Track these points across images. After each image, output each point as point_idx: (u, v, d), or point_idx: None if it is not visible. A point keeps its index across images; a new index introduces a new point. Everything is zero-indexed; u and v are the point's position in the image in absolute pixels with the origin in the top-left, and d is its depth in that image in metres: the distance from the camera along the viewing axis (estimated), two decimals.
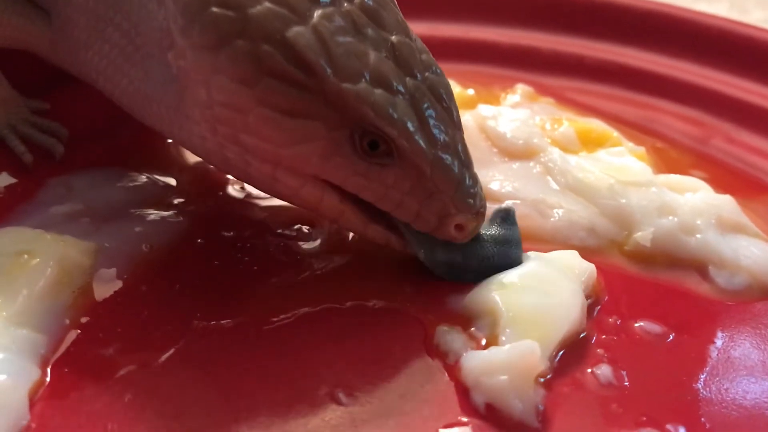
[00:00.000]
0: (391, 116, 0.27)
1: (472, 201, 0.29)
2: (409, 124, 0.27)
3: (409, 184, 0.28)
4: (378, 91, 0.27)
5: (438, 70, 0.29)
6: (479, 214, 0.29)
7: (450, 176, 0.28)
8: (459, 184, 0.28)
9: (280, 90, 0.26)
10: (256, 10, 0.26)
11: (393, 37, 0.28)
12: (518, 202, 0.33)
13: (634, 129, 0.40)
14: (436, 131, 0.28)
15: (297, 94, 0.27)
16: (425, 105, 0.28)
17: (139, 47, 0.30)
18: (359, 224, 0.29)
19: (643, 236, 0.32)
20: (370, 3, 0.28)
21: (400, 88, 0.27)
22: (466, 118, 0.38)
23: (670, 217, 0.32)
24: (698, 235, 0.32)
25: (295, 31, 0.26)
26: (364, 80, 0.27)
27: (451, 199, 0.28)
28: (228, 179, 0.34)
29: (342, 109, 0.27)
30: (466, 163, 0.29)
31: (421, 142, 0.27)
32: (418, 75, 0.28)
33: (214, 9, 0.26)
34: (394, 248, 0.30)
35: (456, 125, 0.29)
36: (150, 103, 0.30)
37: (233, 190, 0.34)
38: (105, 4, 0.31)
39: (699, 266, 0.32)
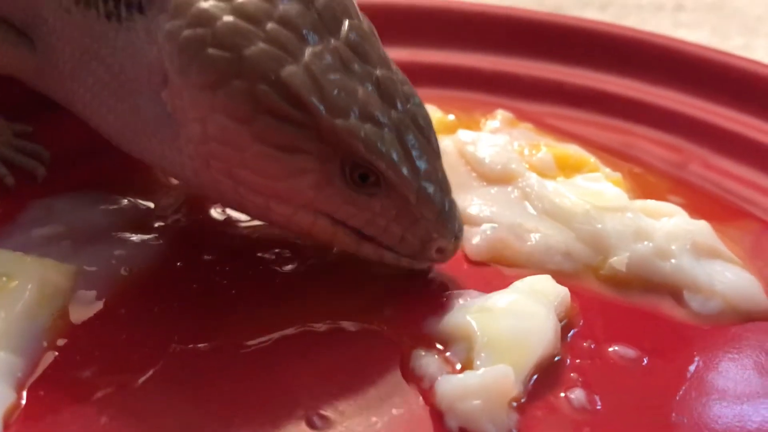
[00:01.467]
0: (380, 150, 0.28)
1: (452, 226, 0.30)
2: (395, 156, 0.28)
3: (394, 211, 0.29)
4: (367, 126, 0.28)
5: (417, 100, 0.30)
6: (457, 238, 0.30)
7: (432, 204, 0.29)
8: (440, 211, 0.30)
9: (275, 127, 0.28)
10: (251, 51, 0.27)
11: (377, 71, 0.29)
12: (496, 226, 0.34)
13: (613, 154, 0.40)
14: (419, 161, 0.29)
15: (291, 130, 0.28)
16: (409, 136, 0.29)
17: (124, 83, 0.31)
18: (352, 244, 0.30)
19: (618, 261, 0.32)
20: (355, 38, 0.29)
21: (386, 120, 0.29)
22: (446, 143, 0.38)
23: (646, 242, 0.33)
24: (673, 260, 0.32)
25: (289, 70, 0.27)
26: (353, 115, 0.28)
27: (433, 224, 0.30)
28: (208, 203, 0.35)
29: (334, 144, 0.28)
30: (445, 189, 0.30)
31: (406, 173, 0.29)
32: (401, 106, 0.29)
33: (210, 50, 0.27)
34: (388, 264, 0.31)
35: (436, 153, 0.30)
36: (140, 138, 0.31)
37: (214, 213, 0.35)
38: (90, 36, 0.31)
39: (673, 291, 0.32)
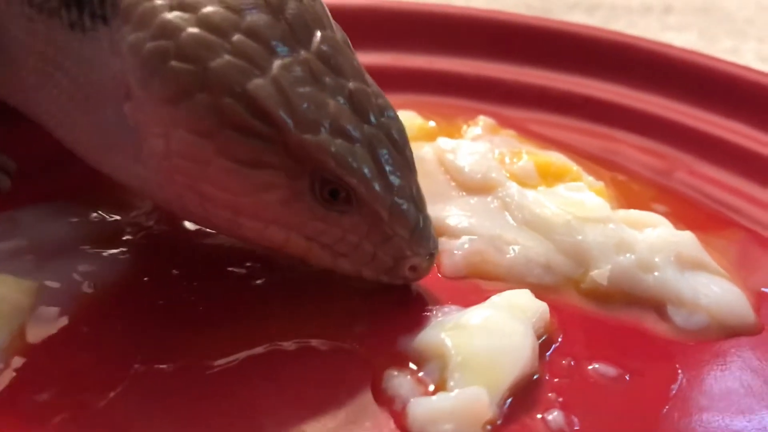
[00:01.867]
0: (351, 166, 0.27)
1: (426, 243, 0.29)
2: (368, 172, 0.27)
3: (366, 228, 0.28)
4: (338, 141, 0.27)
5: (392, 113, 0.29)
6: (432, 255, 0.29)
7: (406, 221, 0.28)
8: (414, 228, 0.29)
9: (240, 141, 0.27)
10: (216, 63, 0.26)
11: (350, 84, 0.28)
12: (475, 237, 0.33)
13: (596, 161, 0.39)
14: (392, 177, 0.28)
15: (258, 145, 0.27)
16: (382, 151, 0.28)
17: (90, 96, 0.30)
18: (327, 259, 0.29)
19: (599, 274, 0.31)
20: (327, 50, 0.28)
21: (358, 135, 0.28)
22: (426, 150, 0.37)
23: (628, 255, 0.32)
24: (656, 273, 0.31)
25: (256, 83, 0.26)
26: (324, 130, 0.27)
27: (407, 242, 0.29)
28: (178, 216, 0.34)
29: (303, 159, 0.27)
30: (420, 206, 0.29)
31: (379, 189, 0.28)
32: (374, 120, 0.28)
33: (173, 63, 0.26)
34: (366, 279, 0.30)
35: (410, 168, 0.29)
36: (105, 152, 0.30)
37: (183, 225, 0.33)
38: (54, 46, 0.30)
39: (657, 305, 0.31)
